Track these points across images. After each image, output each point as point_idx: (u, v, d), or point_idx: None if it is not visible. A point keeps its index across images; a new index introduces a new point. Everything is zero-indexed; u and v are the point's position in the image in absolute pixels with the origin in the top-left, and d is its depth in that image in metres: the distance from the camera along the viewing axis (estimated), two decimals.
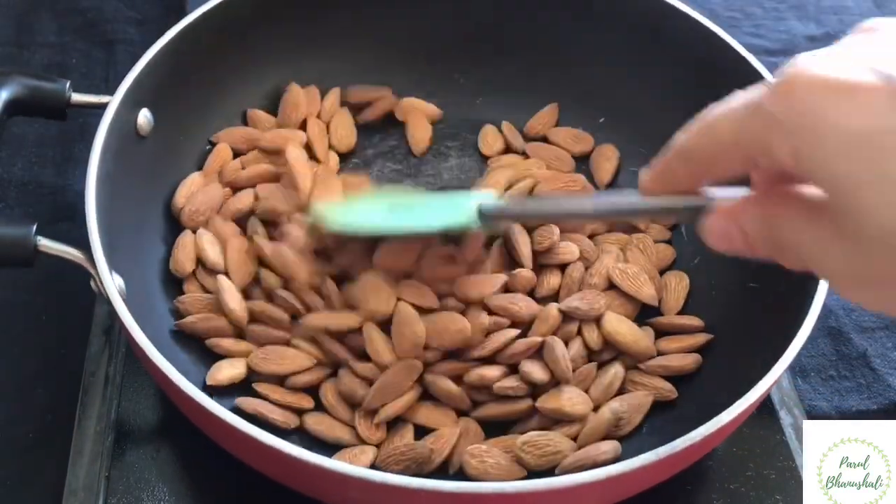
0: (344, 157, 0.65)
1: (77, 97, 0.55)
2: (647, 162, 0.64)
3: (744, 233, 0.35)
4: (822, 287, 0.48)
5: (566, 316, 0.54)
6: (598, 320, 0.54)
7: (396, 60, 0.67)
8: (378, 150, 0.66)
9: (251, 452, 0.46)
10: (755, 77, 0.56)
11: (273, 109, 0.65)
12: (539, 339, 0.52)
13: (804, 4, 0.85)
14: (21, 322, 0.59)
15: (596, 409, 0.51)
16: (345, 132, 0.65)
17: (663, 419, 0.52)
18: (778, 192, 0.35)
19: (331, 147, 0.64)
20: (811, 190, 0.33)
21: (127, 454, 0.52)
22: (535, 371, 0.51)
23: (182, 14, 0.61)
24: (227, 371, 0.52)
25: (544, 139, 0.66)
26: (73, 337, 0.58)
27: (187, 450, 0.53)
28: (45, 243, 0.48)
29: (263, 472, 0.46)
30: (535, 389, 0.52)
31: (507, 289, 0.55)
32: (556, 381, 0.52)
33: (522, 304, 0.54)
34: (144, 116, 0.56)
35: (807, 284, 0.48)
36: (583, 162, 0.65)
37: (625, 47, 0.64)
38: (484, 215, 0.50)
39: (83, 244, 0.48)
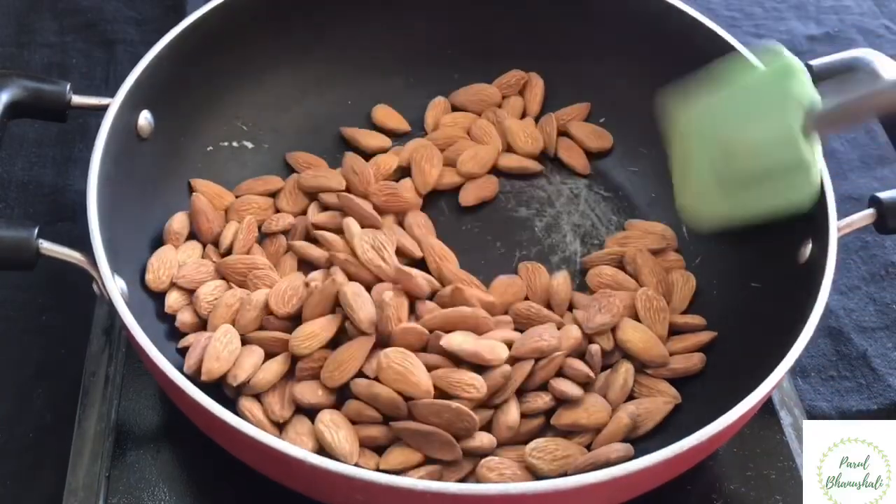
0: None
1: (77, 99, 0.55)
2: (647, 161, 0.65)
3: None
4: (825, 287, 0.48)
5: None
6: (613, 328, 0.54)
7: (396, 61, 0.67)
8: None
9: (252, 453, 0.46)
10: None
11: (272, 110, 0.64)
12: (560, 356, 0.52)
13: (804, 4, 0.85)
14: (21, 322, 0.59)
15: (612, 411, 0.51)
16: None
17: (666, 419, 0.52)
18: None
19: None
20: None
21: (127, 454, 0.52)
22: (570, 389, 0.51)
23: (182, 14, 0.61)
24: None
25: (565, 133, 0.66)
26: (73, 337, 0.58)
27: (187, 450, 0.53)
28: (48, 246, 0.48)
29: (264, 473, 0.46)
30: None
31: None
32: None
33: (551, 338, 0.52)
34: (145, 118, 0.56)
35: (809, 284, 0.48)
36: (599, 158, 0.65)
37: (625, 47, 0.64)
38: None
39: (83, 244, 0.48)
